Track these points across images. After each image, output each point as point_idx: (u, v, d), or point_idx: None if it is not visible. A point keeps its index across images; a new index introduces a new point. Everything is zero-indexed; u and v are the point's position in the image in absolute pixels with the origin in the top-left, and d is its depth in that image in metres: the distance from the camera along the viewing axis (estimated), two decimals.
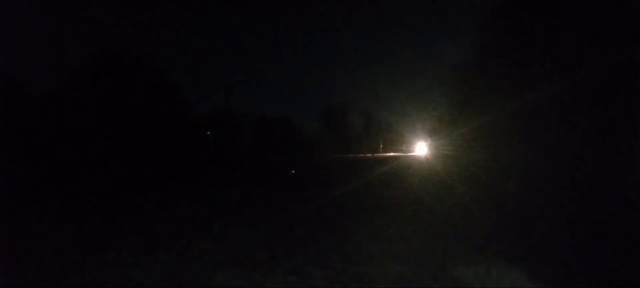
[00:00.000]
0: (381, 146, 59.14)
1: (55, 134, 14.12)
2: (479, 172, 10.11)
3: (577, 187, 5.70)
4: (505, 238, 4.88)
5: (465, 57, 13.27)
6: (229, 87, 33.30)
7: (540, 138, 6.95)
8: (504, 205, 6.96)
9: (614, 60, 5.42)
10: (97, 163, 14.12)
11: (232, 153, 25.27)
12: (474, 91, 11.43)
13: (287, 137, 35.83)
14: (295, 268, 3.89)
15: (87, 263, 4.15)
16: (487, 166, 9.51)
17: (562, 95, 6.28)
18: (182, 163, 17.65)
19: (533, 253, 4.17)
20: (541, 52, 7.23)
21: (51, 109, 14.85)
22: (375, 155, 50.79)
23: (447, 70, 15.35)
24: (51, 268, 4.05)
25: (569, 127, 6.17)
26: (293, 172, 18.74)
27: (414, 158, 37.56)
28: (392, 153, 56.56)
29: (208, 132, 25.89)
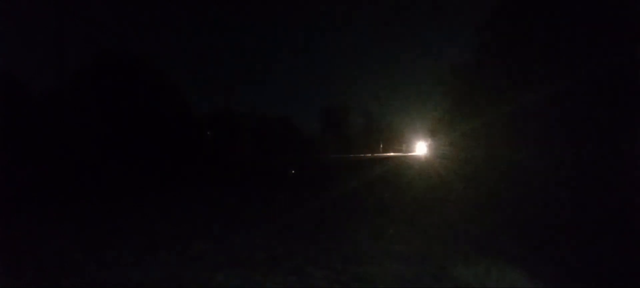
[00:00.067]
0: (381, 146, 59.15)
1: (55, 134, 14.11)
2: (479, 172, 10.10)
3: (577, 186, 5.70)
4: (505, 238, 4.88)
5: (465, 57, 13.28)
6: (229, 87, 33.33)
7: (540, 138, 6.95)
8: (504, 205, 6.96)
9: (614, 60, 5.42)
10: (97, 164, 14.11)
11: (232, 154, 25.26)
12: (474, 91, 11.44)
13: (287, 137, 35.82)
14: (295, 268, 3.89)
15: (87, 263, 4.15)
16: (487, 166, 9.51)
17: (562, 95, 6.28)
18: (182, 163, 17.64)
19: (533, 253, 4.17)
20: (541, 52, 7.23)
21: (51, 109, 14.84)
22: (375, 155, 50.79)
23: (447, 70, 15.39)
24: (51, 268, 4.05)
25: (569, 127, 6.17)
26: (293, 172, 18.74)
27: (414, 158, 37.57)
28: (392, 153, 56.57)
29: (208, 133, 25.89)
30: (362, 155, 47.62)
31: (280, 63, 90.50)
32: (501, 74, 9.06)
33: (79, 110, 15.29)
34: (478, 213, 6.61)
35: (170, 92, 20.06)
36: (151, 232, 5.54)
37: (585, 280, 3.48)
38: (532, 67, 7.43)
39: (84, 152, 14.49)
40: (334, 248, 4.58)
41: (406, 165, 24.43)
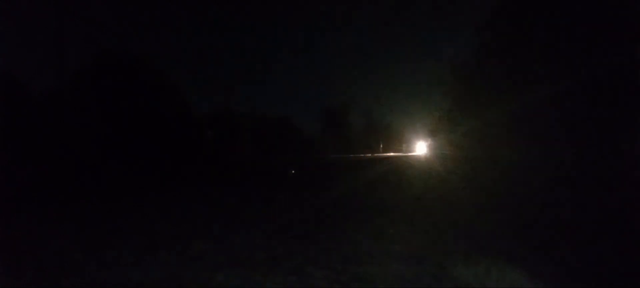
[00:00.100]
0: (381, 146, 59.16)
1: (55, 134, 14.11)
2: (479, 172, 10.10)
3: (577, 186, 5.70)
4: (505, 238, 4.88)
5: (465, 57, 13.28)
6: (229, 87, 33.36)
7: (541, 138, 6.95)
8: (504, 205, 6.96)
9: (614, 60, 5.42)
10: (97, 164, 14.11)
11: (232, 154, 25.26)
12: (474, 91, 11.44)
13: (287, 137, 35.81)
14: (295, 268, 3.89)
15: (87, 263, 4.15)
16: (487, 166, 9.50)
17: (562, 95, 6.28)
18: (182, 163, 17.64)
19: (533, 253, 4.17)
20: (541, 52, 7.23)
21: (51, 109, 14.84)
22: (375, 155, 50.80)
23: (447, 70, 15.38)
24: (51, 268, 4.05)
25: (569, 126, 6.17)
26: (293, 172, 18.74)
27: (414, 158, 37.56)
28: (392, 153, 56.59)
29: (208, 132, 25.90)
30: (362, 155, 47.61)
31: (280, 63, 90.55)
32: (501, 74, 9.07)
33: (79, 110, 15.29)
34: (478, 213, 6.61)
35: (170, 92, 20.06)
36: (151, 232, 5.54)
37: (585, 280, 3.48)
38: (532, 67, 7.43)
39: (84, 152, 14.48)
40: (334, 248, 4.58)
41: (406, 165, 24.42)
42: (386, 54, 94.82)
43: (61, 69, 14.66)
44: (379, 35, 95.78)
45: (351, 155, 44.52)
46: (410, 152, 57.63)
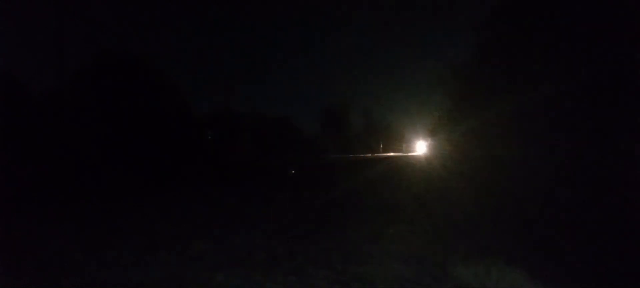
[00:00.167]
0: (381, 146, 59.15)
1: (55, 133, 14.11)
2: (479, 172, 10.10)
3: (577, 186, 5.70)
4: (505, 238, 4.88)
5: (465, 57, 13.26)
6: (229, 87, 33.38)
7: (541, 138, 6.95)
8: (504, 205, 6.96)
9: (614, 61, 5.42)
10: (97, 164, 14.11)
11: (232, 153, 25.25)
12: (474, 91, 11.43)
13: (287, 137, 35.80)
14: (295, 268, 3.89)
15: (87, 263, 4.16)
16: (487, 166, 9.51)
17: (562, 94, 6.28)
18: (182, 163, 17.64)
19: (533, 253, 4.17)
20: (541, 51, 7.23)
21: (51, 109, 14.84)
22: (375, 155, 50.80)
23: (447, 70, 15.37)
24: (51, 268, 4.05)
25: (569, 126, 6.17)
26: (293, 172, 18.74)
27: (414, 158, 37.55)
28: (392, 153, 56.58)
29: (208, 133, 25.90)
30: (362, 155, 47.62)
31: (280, 63, 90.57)
32: (501, 73, 9.06)
33: (79, 110, 15.28)
34: (478, 213, 6.61)
35: (170, 92, 20.05)
36: (151, 232, 5.54)
37: (585, 280, 3.48)
38: (532, 66, 7.43)
39: (84, 152, 14.48)
40: (334, 248, 4.58)
41: (406, 165, 24.42)
42: (386, 54, 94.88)
43: (61, 69, 14.65)
44: (379, 35, 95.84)
45: (351, 155, 44.52)
46: (410, 151, 57.63)
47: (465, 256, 4.09)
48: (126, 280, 3.66)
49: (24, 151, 12.76)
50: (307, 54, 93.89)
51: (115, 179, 12.43)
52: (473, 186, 9.64)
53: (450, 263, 3.90)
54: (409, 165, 24.92)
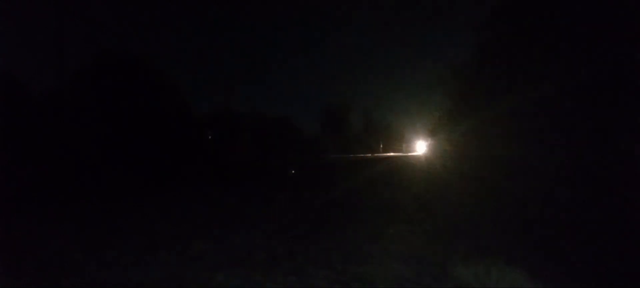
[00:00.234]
0: (381, 146, 59.16)
1: (55, 133, 14.11)
2: (479, 172, 10.10)
3: (577, 186, 5.70)
4: (506, 238, 4.88)
5: (465, 57, 13.27)
6: (229, 87, 33.37)
7: (541, 138, 6.95)
8: (504, 205, 6.96)
9: (614, 61, 5.42)
10: (97, 164, 14.11)
11: (232, 154, 25.24)
12: (474, 91, 11.43)
13: (287, 137, 35.78)
14: (295, 268, 3.89)
15: (87, 263, 4.16)
16: (487, 166, 9.51)
17: (562, 94, 6.28)
18: (182, 163, 17.64)
19: (533, 253, 4.17)
20: (541, 51, 7.23)
21: (51, 109, 14.84)
22: (375, 155, 50.80)
23: (447, 70, 15.37)
24: (51, 268, 4.05)
25: (569, 126, 6.17)
26: (293, 172, 18.75)
27: (414, 157, 37.55)
28: (392, 153, 56.58)
29: (208, 133, 25.90)
30: (362, 155, 47.62)
31: (280, 63, 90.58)
32: (501, 73, 9.06)
33: (79, 110, 15.28)
34: (478, 213, 6.61)
35: (170, 92, 20.04)
36: (151, 232, 5.54)
37: (585, 280, 3.48)
38: (532, 66, 7.43)
39: (84, 152, 14.48)
40: (334, 248, 4.58)
41: (406, 165, 24.42)
42: (386, 54, 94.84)
43: (61, 69, 14.65)
44: (379, 35, 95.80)
45: (351, 155, 44.52)
46: (410, 152, 57.63)
47: (465, 256, 4.09)
48: (126, 280, 3.66)
49: (24, 151, 12.75)
50: (307, 54, 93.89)
51: (115, 179, 12.42)
52: (473, 186, 9.64)
53: (450, 263, 3.90)
54: (409, 165, 24.92)
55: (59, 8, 14.48)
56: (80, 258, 4.30)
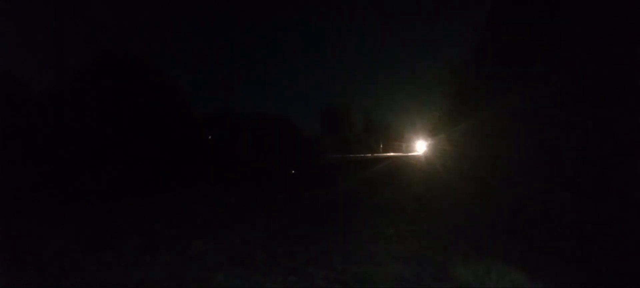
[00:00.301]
0: (381, 146, 59.15)
1: (55, 134, 14.11)
2: (479, 172, 10.10)
3: (577, 186, 5.70)
4: (505, 238, 4.88)
5: (465, 57, 13.28)
6: (229, 87, 33.36)
7: (541, 138, 6.95)
8: (504, 205, 6.96)
9: (614, 61, 5.42)
10: (97, 164, 14.11)
11: (232, 154, 25.24)
12: (474, 91, 11.43)
13: (287, 137, 35.78)
14: (295, 268, 3.89)
15: (87, 263, 4.15)
16: (487, 166, 9.51)
17: (563, 94, 6.28)
18: (182, 163, 17.64)
19: (533, 253, 4.17)
20: (541, 51, 7.23)
21: (51, 109, 14.84)
22: (375, 154, 50.80)
23: (446, 70, 15.38)
24: (51, 268, 4.05)
25: (569, 126, 6.17)
26: (293, 172, 18.75)
27: (414, 157, 37.55)
28: (392, 153, 56.57)
29: (208, 133, 25.90)
30: (362, 155, 47.62)
31: (280, 63, 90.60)
32: (501, 73, 9.07)
33: (79, 110, 15.29)
34: (478, 213, 6.61)
35: (170, 92, 20.05)
36: (151, 232, 5.54)
37: (585, 280, 3.48)
38: (532, 66, 7.43)
39: (84, 152, 14.48)
40: (334, 248, 4.58)
41: (406, 165, 24.43)
42: (386, 54, 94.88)
43: (61, 69, 14.67)
44: (379, 35, 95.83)
45: (351, 155, 44.52)
46: (410, 151, 57.61)
47: (465, 256, 4.09)
48: (126, 280, 3.66)
49: (24, 151, 12.75)
50: (307, 54, 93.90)
51: (115, 179, 12.43)
52: (473, 186, 9.64)
53: (450, 263, 3.90)
54: (409, 165, 24.93)
55: (59, 8, 14.50)
56: (80, 258, 4.30)
